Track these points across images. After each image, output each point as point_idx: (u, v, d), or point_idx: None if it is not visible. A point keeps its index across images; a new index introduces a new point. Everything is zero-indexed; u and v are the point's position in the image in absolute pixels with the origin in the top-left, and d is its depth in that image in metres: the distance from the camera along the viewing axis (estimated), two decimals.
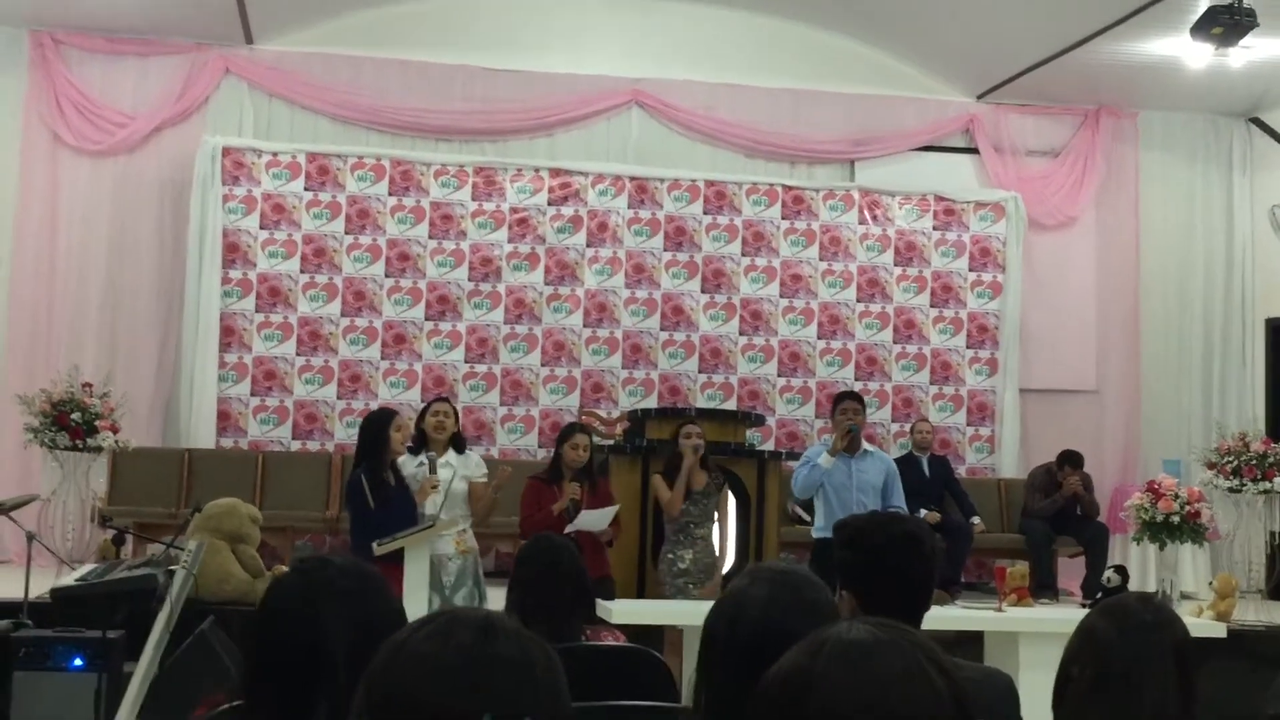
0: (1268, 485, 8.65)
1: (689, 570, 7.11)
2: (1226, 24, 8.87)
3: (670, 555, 7.18)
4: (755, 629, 2.09)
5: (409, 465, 6.65)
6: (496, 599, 7.00)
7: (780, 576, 2.23)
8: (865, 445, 7.44)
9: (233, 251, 10.33)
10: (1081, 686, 2.42)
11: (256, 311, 10.36)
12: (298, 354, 10.39)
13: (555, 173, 10.81)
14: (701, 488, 7.20)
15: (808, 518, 9.60)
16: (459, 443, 6.86)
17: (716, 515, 7.44)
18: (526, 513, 6.94)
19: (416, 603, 6.10)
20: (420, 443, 6.77)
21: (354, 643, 2.01)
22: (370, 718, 1.38)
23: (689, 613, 6.36)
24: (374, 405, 9.95)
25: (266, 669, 2.10)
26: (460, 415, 7.09)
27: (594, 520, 6.78)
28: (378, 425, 6.64)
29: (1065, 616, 6.49)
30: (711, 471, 7.31)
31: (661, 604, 6.92)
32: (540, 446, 10.36)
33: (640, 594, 7.51)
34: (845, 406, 7.45)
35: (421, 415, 6.90)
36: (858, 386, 10.73)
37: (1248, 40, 9.13)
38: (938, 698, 1.29)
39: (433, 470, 6.55)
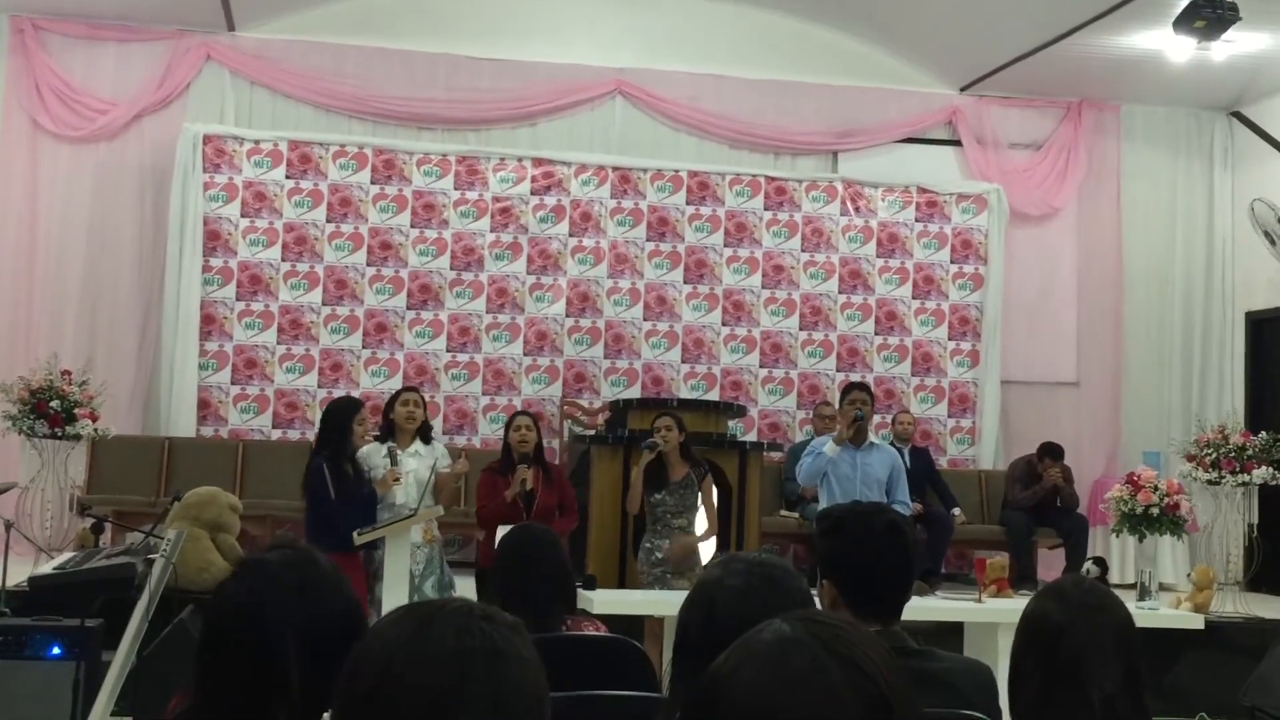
0: (1246, 478, 8.68)
1: (666, 560, 7.11)
2: (1209, 18, 8.89)
3: (648, 545, 7.18)
4: (730, 620, 2.08)
5: (374, 456, 6.61)
6: (460, 587, 7.04)
7: (754, 567, 2.23)
8: (871, 438, 7.39)
9: (213, 239, 10.28)
10: (1034, 670, 2.41)
11: (237, 299, 10.32)
12: (278, 342, 10.35)
13: (538, 162, 10.78)
14: (680, 479, 7.17)
15: (795, 512, 9.63)
16: (426, 432, 6.84)
17: (701, 503, 7.40)
18: (481, 504, 6.98)
19: (398, 593, 6.08)
20: (387, 431, 6.74)
21: (304, 640, 1.96)
22: (351, 714, 1.35)
23: (670, 602, 6.37)
24: (356, 394, 9.93)
25: (216, 673, 2.04)
26: (428, 405, 7.06)
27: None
28: (343, 415, 6.56)
29: None
30: (693, 462, 7.28)
31: (643, 594, 6.92)
32: None
33: (621, 584, 7.52)
34: (853, 397, 7.37)
35: (390, 404, 6.85)
36: (839, 378, 10.75)
37: (1230, 34, 9.16)
38: (833, 700, 1.21)
39: (394, 462, 6.51)
